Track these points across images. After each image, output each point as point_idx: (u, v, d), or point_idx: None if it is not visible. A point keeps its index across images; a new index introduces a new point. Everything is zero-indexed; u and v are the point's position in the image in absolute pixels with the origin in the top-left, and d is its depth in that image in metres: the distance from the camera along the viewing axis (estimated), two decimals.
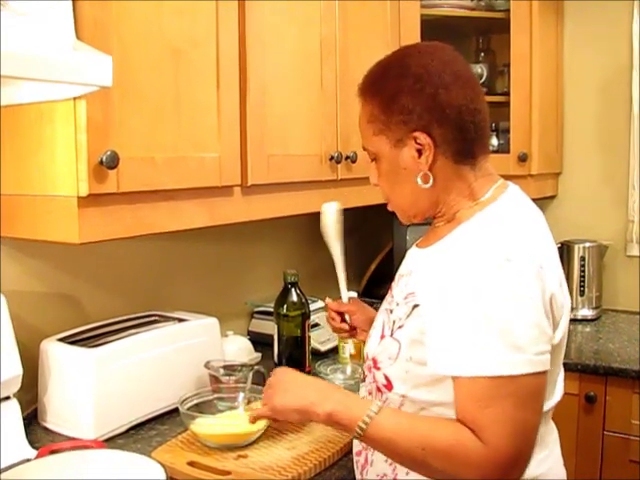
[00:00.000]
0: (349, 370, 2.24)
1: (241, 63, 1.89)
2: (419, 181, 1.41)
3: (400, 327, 1.39)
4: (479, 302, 1.25)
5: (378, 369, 1.43)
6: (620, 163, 3.12)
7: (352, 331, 1.86)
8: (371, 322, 1.71)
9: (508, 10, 2.85)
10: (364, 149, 1.52)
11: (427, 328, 1.32)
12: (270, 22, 1.98)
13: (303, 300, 2.29)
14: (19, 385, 1.72)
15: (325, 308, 1.90)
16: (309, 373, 2.27)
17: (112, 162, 1.51)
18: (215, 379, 1.97)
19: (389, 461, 1.41)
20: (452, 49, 1.48)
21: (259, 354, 2.43)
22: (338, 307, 1.86)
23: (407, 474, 1.39)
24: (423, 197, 1.44)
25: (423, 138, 1.38)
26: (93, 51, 1.33)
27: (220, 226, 1.91)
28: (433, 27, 2.71)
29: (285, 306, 2.27)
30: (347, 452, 1.73)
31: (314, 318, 2.51)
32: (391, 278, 2.81)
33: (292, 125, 2.11)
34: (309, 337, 2.33)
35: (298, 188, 2.14)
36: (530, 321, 1.26)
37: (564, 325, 1.40)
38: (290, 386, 1.46)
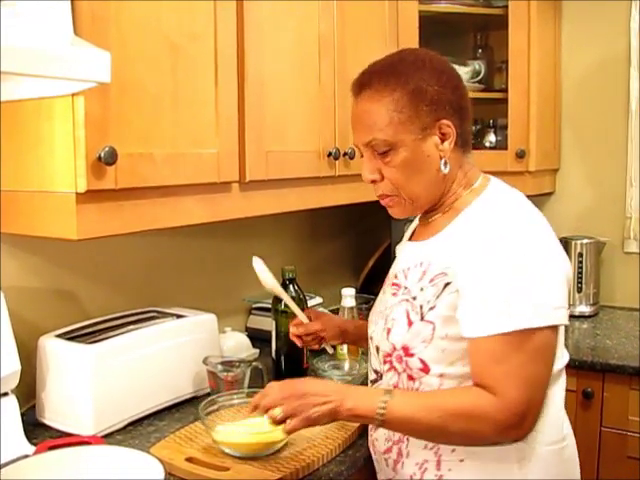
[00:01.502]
0: (347, 366, 2.24)
1: (239, 59, 1.89)
2: (442, 166, 1.51)
3: (431, 308, 1.47)
4: (504, 267, 1.38)
5: (411, 355, 1.49)
6: (618, 160, 3.13)
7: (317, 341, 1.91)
8: (343, 334, 1.91)
9: (506, 6, 2.85)
10: (366, 144, 1.53)
11: (459, 299, 1.43)
12: (268, 18, 1.98)
13: (301, 296, 2.28)
14: (17, 381, 1.72)
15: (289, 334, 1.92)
16: (307, 369, 2.27)
17: (110, 158, 1.51)
18: (213, 375, 1.97)
19: (430, 445, 1.49)
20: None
21: (257, 350, 2.44)
22: (306, 330, 1.89)
23: (453, 451, 1.47)
24: (437, 185, 1.54)
25: (447, 126, 1.50)
26: (91, 47, 1.33)
27: (218, 222, 1.91)
28: (431, 23, 2.72)
29: (283, 302, 2.26)
30: (345, 448, 1.74)
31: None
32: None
33: (290, 121, 2.11)
34: None
35: (296, 184, 2.14)
36: (550, 280, 1.40)
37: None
38: (315, 397, 1.47)
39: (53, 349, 1.83)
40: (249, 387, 1.95)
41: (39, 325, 1.91)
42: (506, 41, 2.87)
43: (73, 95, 1.48)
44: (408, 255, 1.62)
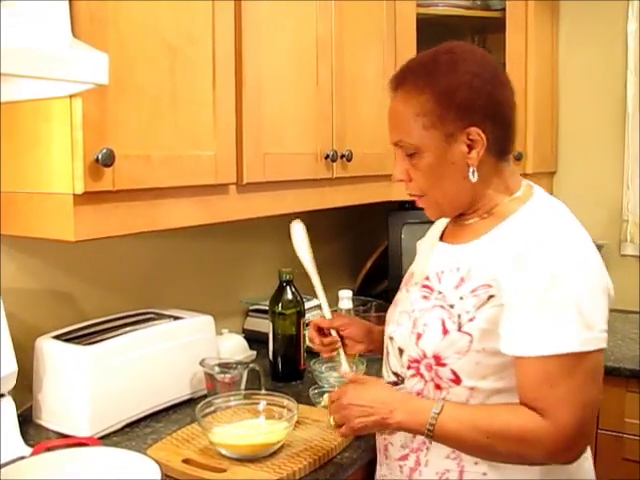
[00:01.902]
0: (344, 368, 2.24)
1: (237, 61, 1.89)
2: (470, 176, 1.45)
3: (471, 320, 1.41)
4: (556, 285, 1.32)
5: (443, 365, 1.44)
6: (615, 163, 3.13)
7: (333, 346, 1.79)
8: (369, 334, 1.80)
9: (504, 9, 2.85)
10: (396, 144, 1.51)
11: (504, 314, 1.37)
12: (266, 20, 1.98)
13: (298, 298, 2.29)
14: (14, 383, 1.72)
15: (309, 327, 1.85)
16: (304, 371, 2.27)
17: (108, 160, 1.51)
18: (210, 377, 1.97)
19: (453, 455, 1.45)
20: (485, 52, 1.55)
21: (254, 352, 2.44)
22: (330, 324, 1.79)
23: (476, 464, 1.44)
24: (465, 192, 1.49)
25: (477, 134, 1.43)
26: (89, 49, 1.33)
27: (216, 224, 1.91)
28: (429, 26, 2.72)
29: (280, 304, 2.27)
30: (342, 450, 1.74)
31: (309, 316, 2.51)
32: (386, 276, 2.82)
33: (288, 123, 2.11)
34: (304, 335, 2.33)
35: (293, 186, 2.15)
36: (599, 300, 1.37)
37: None
38: (359, 409, 1.46)
39: (50, 350, 1.83)
40: (246, 389, 1.95)
41: (36, 326, 1.91)
42: (504, 44, 2.87)
43: (71, 97, 1.48)
44: (442, 257, 1.55)
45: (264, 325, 2.40)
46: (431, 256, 1.59)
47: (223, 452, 1.65)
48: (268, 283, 2.40)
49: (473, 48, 1.53)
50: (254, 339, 2.52)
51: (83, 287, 2.10)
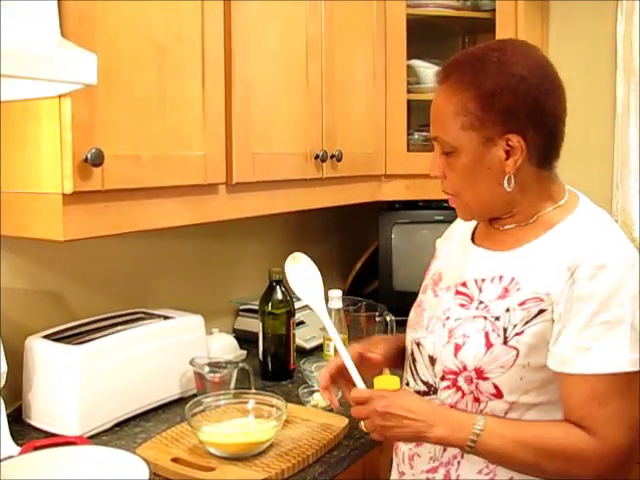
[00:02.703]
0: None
1: (226, 61, 1.90)
2: (505, 184, 1.39)
3: (518, 334, 1.35)
4: (611, 302, 1.28)
5: (485, 379, 1.38)
6: (604, 163, 3.14)
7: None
8: (398, 350, 1.63)
9: (494, 10, 2.85)
10: (434, 139, 1.44)
11: (555, 329, 1.33)
12: (256, 20, 1.98)
13: (288, 298, 2.29)
14: (3, 382, 1.72)
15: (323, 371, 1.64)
16: (293, 370, 2.27)
17: (97, 160, 1.52)
18: (200, 376, 1.97)
19: (486, 470, 1.40)
20: (542, 52, 1.47)
21: (244, 352, 2.44)
22: (365, 352, 1.60)
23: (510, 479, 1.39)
24: (499, 198, 1.42)
25: (517, 141, 1.36)
26: (78, 49, 1.33)
27: (205, 224, 1.91)
28: (419, 27, 2.72)
29: (270, 304, 2.28)
30: (330, 449, 1.74)
31: (299, 316, 2.52)
32: (376, 276, 2.82)
33: (277, 123, 2.11)
34: (294, 335, 2.34)
35: (283, 186, 2.15)
36: None
37: None
38: (397, 419, 1.36)
39: (40, 350, 1.83)
40: (236, 388, 1.96)
41: (26, 326, 1.91)
42: None
43: (60, 97, 1.48)
44: (480, 263, 1.48)
45: (254, 325, 2.41)
46: (467, 260, 1.52)
47: (212, 451, 1.65)
48: (258, 283, 2.41)
49: (526, 48, 1.44)
50: (244, 339, 2.52)
51: (73, 287, 2.10)
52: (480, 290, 1.43)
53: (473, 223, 1.58)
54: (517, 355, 1.35)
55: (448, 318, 1.46)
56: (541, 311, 1.34)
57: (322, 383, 1.59)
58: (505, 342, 1.36)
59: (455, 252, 1.58)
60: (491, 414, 1.38)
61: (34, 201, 1.57)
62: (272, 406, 1.77)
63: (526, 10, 2.87)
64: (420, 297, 1.60)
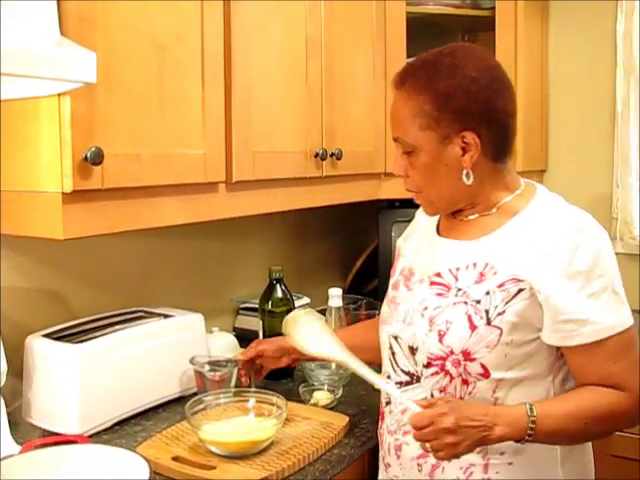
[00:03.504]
0: (333, 366, 2.25)
1: (226, 60, 1.89)
2: (464, 178, 1.49)
3: (500, 314, 1.44)
4: (593, 273, 1.41)
5: (472, 360, 1.46)
6: (604, 161, 3.14)
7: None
8: (282, 349, 1.89)
9: (493, 8, 2.85)
10: (396, 139, 1.54)
11: (547, 308, 1.42)
12: (255, 19, 1.98)
13: (288, 296, 2.29)
14: (4, 381, 1.72)
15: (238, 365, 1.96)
16: (293, 369, 2.27)
17: (97, 158, 1.51)
18: (200, 375, 1.97)
19: (478, 449, 1.44)
20: (491, 55, 1.61)
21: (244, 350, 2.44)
22: (248, 354, 1.93)
23: (502, 454, 1.47)
24: (459, 192, 1.53)
25: (471, 138, 1.46)
26: (77, 47, 1.33)
27: (205, 222, 1.91)
28: (419, 25, 2.72)
29: (270, 302, 2.28)
30: (331, 447, 1.74)
31: None
32: (376, 274, 2.83)
33: (277, 122, 2.11)
34: None
35: (283, 185, 2.15)
36: (619, 277, 1.47)
37: None
38: (466, 431, 1.35)
39: (40, 349, 1.83)
40: (236, 387, 1.95)
41: (26, 325, 1.91)
42: (493, 43, 2.87)
43: (59, 95, 1.48)
44: (451, 253, 1.56)
45: (254, 323, 2.41)
46: (437, 252, 1.60)
47: (212, 449, 1.65)
48: (258, 281, 2.41)
49: (476, 52, 1.54)
50: (244, 337, 2.51)
51: (73, 285, 2.10)
52: (456, 278, 1.52)
53: (435, 218, 1.67)
54: (501, 334, 1.44)
55: (426, 308, 1.53)
56: (520, 290, 1.44)
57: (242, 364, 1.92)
58: (488, 323, 1.45)
59: (422, 247, 1.66)
60: (482, 398, 1.47)
61: (34, 200, 1.57)
62: (272, 404, 1.77)
63: (526, 8, 2.87)
64: (392, 293, 1.67)
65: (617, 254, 1.45)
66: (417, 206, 1.80)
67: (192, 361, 1.99)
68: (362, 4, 2.52)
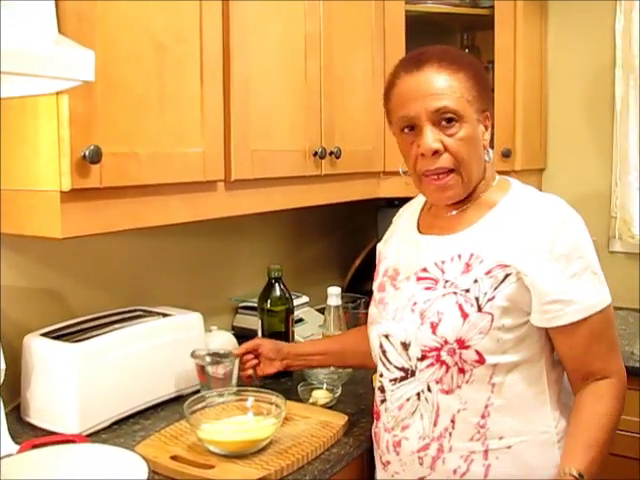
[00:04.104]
0: None
1: (225, 58, 1.89)
2: (485, 154, 1.58)
3: (490, 300, 1.48)
4: (573, 254, 1.47)
5: (467, 347, 1.48)
6: (603, 159, 3.14)
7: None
8: (279, 351, 1.94)
9: (492, 7, 2.85)
10: (435, 112, 1.50)
11: (532, 289, 1.47)
12: (254, 17, 1.98)
13: (287, 295, 2.29)
14: (2, 380, 1.71)
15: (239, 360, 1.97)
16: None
17: (95, 157, 1.51)
18: (202, 369, 1.96)
19: (477, 436, 1.51)
20: None
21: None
22: (246, 348, 1.97)
23: (501, 439, 1.51)
24: (482, 171, 1.59)
25: (489, 117, 1.59)
26: (76, 45, 1.33)
27: (204, 221, 1.91)
28: (417, 23, 2.72)
29: (269, 301, 2.27)
30: (329, 447, 1.74)
31: (298, 313, 2.52)
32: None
33: (276, 120, 2.11)
34: (293, 332, 2.34)
35: (282, 183, 2.14)
36: (597, 259, 1.53)
37: None
38: None
39: (38, 348, 1.83)
40: (238, 384, 1.95)
41: (24, 324, 1.91)
42: (492, 41, 2.86)
43: (58, 94, 1.48)
44: (435, 248, 1.59)
45: (253, 322, 2.41)
46: (421, 249, 1.62)
47: (211, 449, 1.65)
48: (257, 280, 2.40)
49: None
50: (243, 336, 2.50)
51: (71, 284, 2.10)
52: (443, 271, 1.55)
53: (413, 220, 1.72)
54: (492, 319, 1.47)
55: (415, 303, 1.56)
56: (507, 275, 1.48)
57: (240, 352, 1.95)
58: (479, 309, 1.48)
59: (404, 247, 1.69)
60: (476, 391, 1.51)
61: (32, 198, 1.57)
62: (271, 404, 1.77)
63: (525, 7, 2.87)
64: (379, 295, 1.71)
65: (616, 253, 1.49)
66: None
67: (193, 355, 1.97)
68: (361, 3, 2.51)
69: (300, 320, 2.59)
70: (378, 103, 2.59)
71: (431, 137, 1.50)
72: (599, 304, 1.49)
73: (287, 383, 2.20)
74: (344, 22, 2.39)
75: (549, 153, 3.29)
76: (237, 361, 1.97)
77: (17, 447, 1.65)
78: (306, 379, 2.13)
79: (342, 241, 3.30)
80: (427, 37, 2.83)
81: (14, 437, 1.71)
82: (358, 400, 2.04)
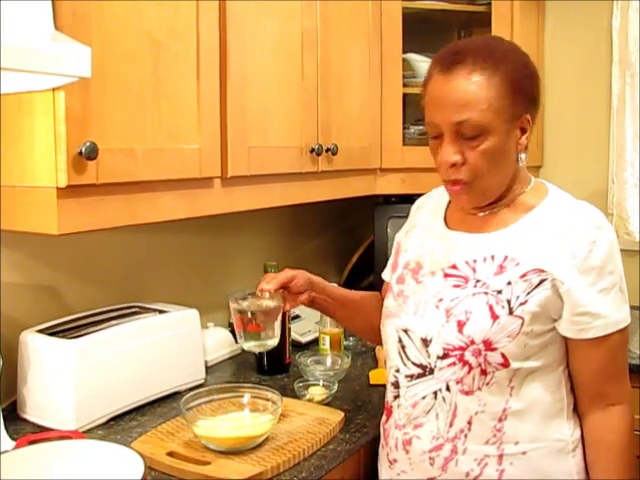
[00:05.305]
0: (329, 361, 2.25)
1: (221, 55, 1.89)
2: (520, 160, 1.53)
3: (522, 304, 1.46)
4: (606, 268, 1.47)
5: (494, 350, 1.46)
6: (600, 157, 3.14)
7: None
8: (310, 283, 1.79)
9: (489, 4, 2.84)
10: (457, 124, 1.45)
11: (566, 298, 1.47)
12: (251, 14, 1.98)
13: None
14: None
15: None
16: (289, 365, 2.27)
17: (91, 153, 1.51)
18: (240, 314, 1.75)
19: (493, 439, 1.50)
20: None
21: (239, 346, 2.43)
22: (281, 279, 1.75)
23: (516, 444, 1.50)
24: (508, 179, 1.55)
25: (528, 120, 1.51)
26: (72, 42, 1.33)
27: (200, 218, 1.90)
28: (414, 20, 2.72)
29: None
30: (326, 443, 1.74)
31: (294, 310, 2.52)
32: (372, 270, 2.82)
33: (272, 117, 2.11)
34: (289, 329, 2.34)
35: (278, 180, 2.14)
36: (624, 277, 1.53)
37: None
38: None
39: (35, 344, 1.83)
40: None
41: (21, 320, 1.91)
42: None
43: (54, 90, 1.48)
44: (466, 246, 1.56)
45: None
46: (450, 245, 1.59)
47: (208, 445, 1.65)
48: (253, 276, 2.39)
49: (505, 41, 1.60)
50: None
51: (67, 281, 2.09)
52: (474, 270, 1.52)
53: (437, 213, 1.68)
54: (522, 324, 1.46)
55: (441, 300, 1.53)
56: (542, 280, 1.46)
57: (268, 282, 1.73)
58: (511, 312, 1.46)
59: (428, 241, 1.65)
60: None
61: (28, 195, 1.56)
62: (268, 400, 1.77)
63: (522, 4, 2.87)
64: (398, 287, 1.65)
65: None
66: (412, 202, 1.80)
67: (230, 298, 1.77)
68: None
69: (297, 317, 2.59)
70: (375, 100, 2.62)
71: (450, 150, 1.47)
72: (622, 322, 1.49)
73: (283, 380, 2.21)
74: (341, 18, 2.39)
75: (546, 150, 3.29)
76: (279, 295, 1.76)
77: (13, 443, 1.64)
78: (302, 376, 2.14)
79: (339, 238, 3.30)
80: (424, 34, 2.85)
81: (10, 433, 1.71)
82: (354, 397, 2.04)
